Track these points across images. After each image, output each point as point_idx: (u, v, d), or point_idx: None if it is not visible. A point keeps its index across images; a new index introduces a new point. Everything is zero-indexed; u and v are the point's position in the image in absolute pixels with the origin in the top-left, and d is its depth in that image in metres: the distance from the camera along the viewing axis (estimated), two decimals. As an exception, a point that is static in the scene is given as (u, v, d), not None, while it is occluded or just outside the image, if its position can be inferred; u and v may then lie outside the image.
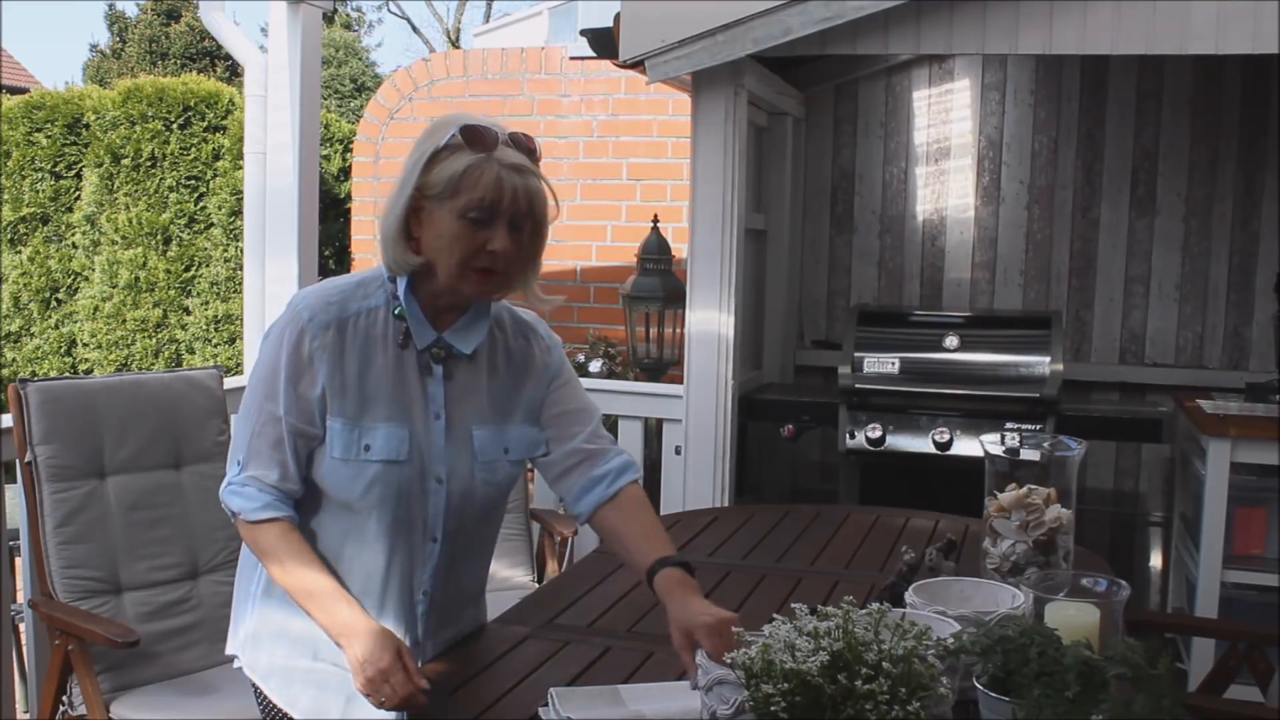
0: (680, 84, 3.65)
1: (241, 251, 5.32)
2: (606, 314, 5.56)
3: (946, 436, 3.75)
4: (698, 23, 3.27)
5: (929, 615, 1.66)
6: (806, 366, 4.68)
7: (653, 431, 3.94)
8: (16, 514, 2.83)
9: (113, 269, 7.44)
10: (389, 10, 36.08)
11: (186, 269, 7.40)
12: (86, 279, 7.60)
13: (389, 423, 1.77)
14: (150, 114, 7.37)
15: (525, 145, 1.75)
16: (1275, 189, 4.21)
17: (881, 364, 3.85)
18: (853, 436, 3.85)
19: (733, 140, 3.44)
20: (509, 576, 3.35)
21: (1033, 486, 2.06)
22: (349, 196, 7.06)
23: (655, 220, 4.76)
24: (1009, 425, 3.28)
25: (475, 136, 1.70)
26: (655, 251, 4.68)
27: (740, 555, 2.58)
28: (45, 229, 7.66)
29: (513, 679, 1.81)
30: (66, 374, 7.44)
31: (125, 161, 7.41)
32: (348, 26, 21.33)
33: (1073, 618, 1.60)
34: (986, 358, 3.83)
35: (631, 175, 5.59)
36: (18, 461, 2.67)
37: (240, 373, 4.43)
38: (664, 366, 4.73)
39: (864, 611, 1.50)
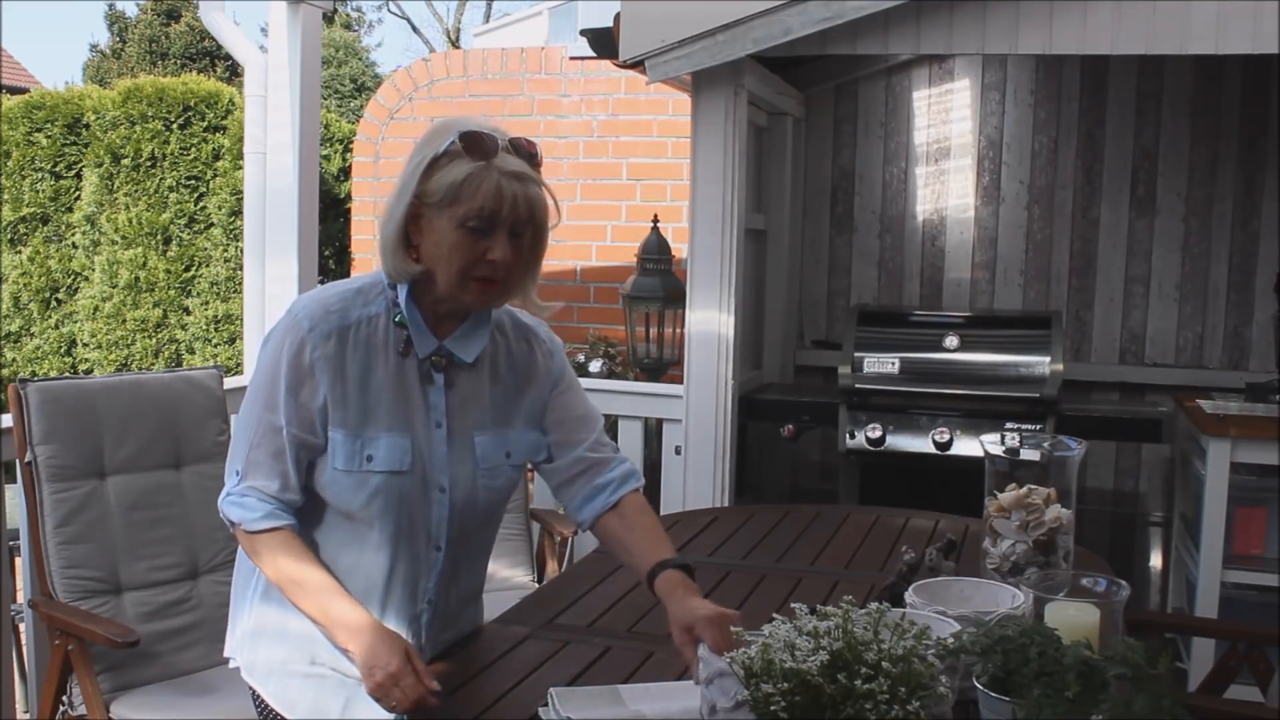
0: (680, 84, 3.65)
1: (241, 251, 5.32)
2: (606, 314, 5.56)
3: (946, 436, 3.75)
4: (698, 23, 3.27)
5: (929, 615, 1.66)
6: (806, 366, 4.68)
7: (653, 431, 3.94)
8: (16, 514, 2.83)
9: (113, 269, 7.44)
10: (389, 10, 36.08)
11: (186, 269, 7.40)
12: (86, 279, 7.61)
13: (391, 433, 1.76)
14: (150, 114, 7.37)
15: (526, 150, 1.72)
16: (1275, 189, 4.21)
17: (881, 364, 3.85)
18: (853, 436, 3.85)
19: (733, 140, 3.44)
20: (509, 576, 3.35)
21: (1033, 486, 2.06)
22: (349, 196, 7.06)
23: (655, 220, 4.76)
24: (1009, 425, 3.29)
25: (475, 143, 1.68)
26: (655, 251, 4.68)
27: (740, 555, 2.58)
28: (45, 229, 7.66)
29: (513, 679, 1.81)
30: (66, 374, 7.44)
31: (125, 161, 7.41)
32: (348, 26, 21.33)
33: (1073, 618, 1.60)
34: (986, 358, 3.83)
35: (631, 175, 5.59)
36: (18, 461, 2.67)
37: (240, 373, 4.43)
38: (664, 366, 4.73)
39: (864, 611, 1.50)
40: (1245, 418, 3.44)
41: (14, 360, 7.71)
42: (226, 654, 1.93)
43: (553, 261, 5.45)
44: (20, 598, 3.15)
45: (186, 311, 7.44)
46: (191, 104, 7.38)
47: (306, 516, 1.79)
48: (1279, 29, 2.96)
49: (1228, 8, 2.99)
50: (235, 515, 1.75)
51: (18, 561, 2.93)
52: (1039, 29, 3.14)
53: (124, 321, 7.45)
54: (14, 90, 10.44)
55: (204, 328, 7.35)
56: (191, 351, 7.38)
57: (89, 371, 7.46)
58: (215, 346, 7.34)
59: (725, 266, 3.46)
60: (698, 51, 3.29)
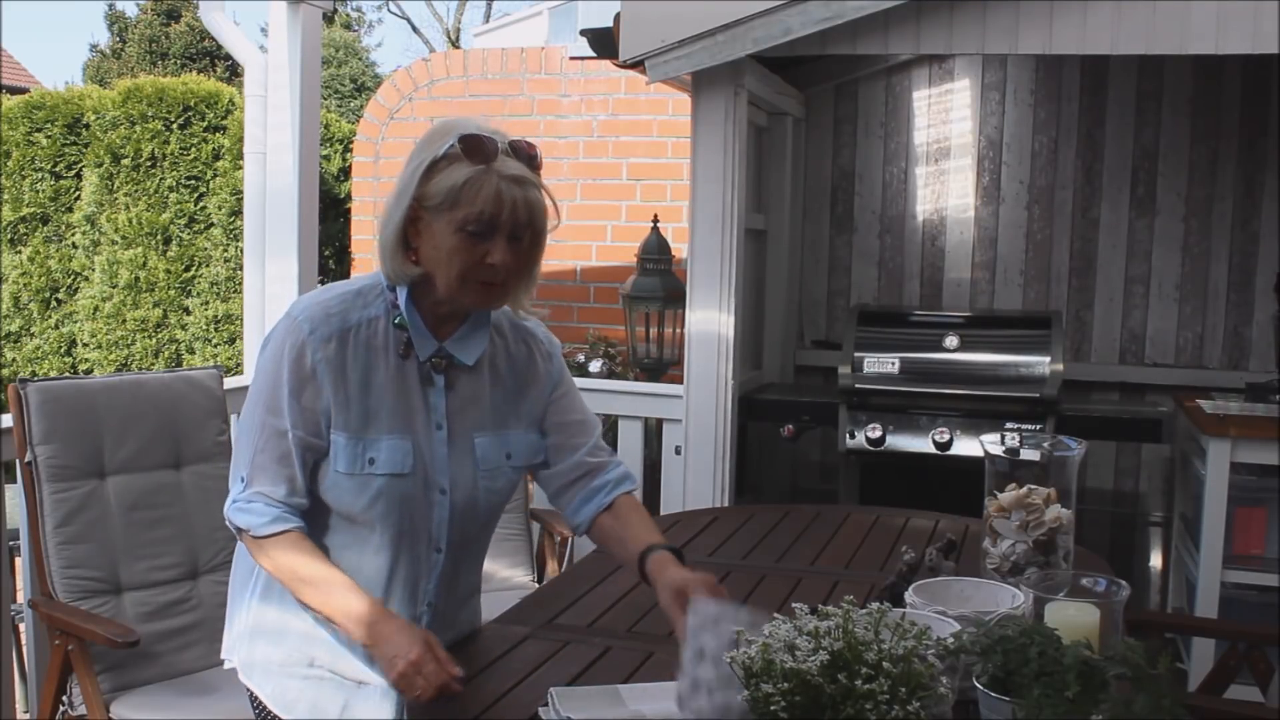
0: (680, 84, 3.65)
1: (241, 251, 5.32)
2: (606, 314, 5.56)
3: (946, 436, 3.75)
4: (698, 23, 3.27)
5: (929, 615, 1.66)
6: (806, 366, 4.68)
7: (653, 431, 3.94)
8: (16, 514, 2.83)
9: (113, 269, 7.44)
10: (389, 10, 36.08)
11: (186, 269, 7.40)
12: (86, 279, 7.61)
13: (392, 435, 1.75)
14: (150, 114, 7.37)
15: (526, 153, 1.72)
16: (1275, 189, 4.21)
17: (881, 364, 3.85)
18: (853, 436, 3.85)
19: (733, 140, 3.44)
20: (509, 576, 3.35)
21: (1033, 486, 2.06)
22: (349, 196, 7.06)
23: (655, 220, 4.76)
24: (1009, 425, 3.29)
25: (474, 147, 1.67)
26: (655, 251, 4.68)
27: (740, 555, 2.58)
28: (45, 229, 7.66)
29: (513, 679, 1.81)
30: (66, 374, 7.44)
31: (125, 161, 7.41)
32: (348, 26, 21.33)
33: (1073, 618, 1.60)
34: (986, 358, 3.84)
35: (631, 175, 5.59)
36: (18, 461, 2.66)
37: (240, 373, 4.42)
38: (664, 366, 4.73)
39: (864, 611, 1.50)
40: (1245, 418, 3.44)
41: (14, 360, 7.71)
42: (223, 655, 1.93)
43: (553, 261, 5.45)
44: (20, 598, 3.15)
45: (186, 311, 7.44)
46: (191, 104, 7.38)
47: (307, 520, 1.78)
48: (1279, 29, 2.96)
49: (1228, 8, 2.99)
50: (243, 521, 1.73)
51: (18, 561, 2.93)
52: (1039, 29, 3.14)
53: (124, 321, 7.45)
54: (14, 90, 10.44)
55: (204, 328, 7.35)
56: (191, 351, 7.39)
57: (89, 371, 7.46)
58: (215, 346, 7.35)
59: (725, 266, 3.46)
60: (698, 51, 3.29)
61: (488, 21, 16.88)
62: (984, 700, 1.45)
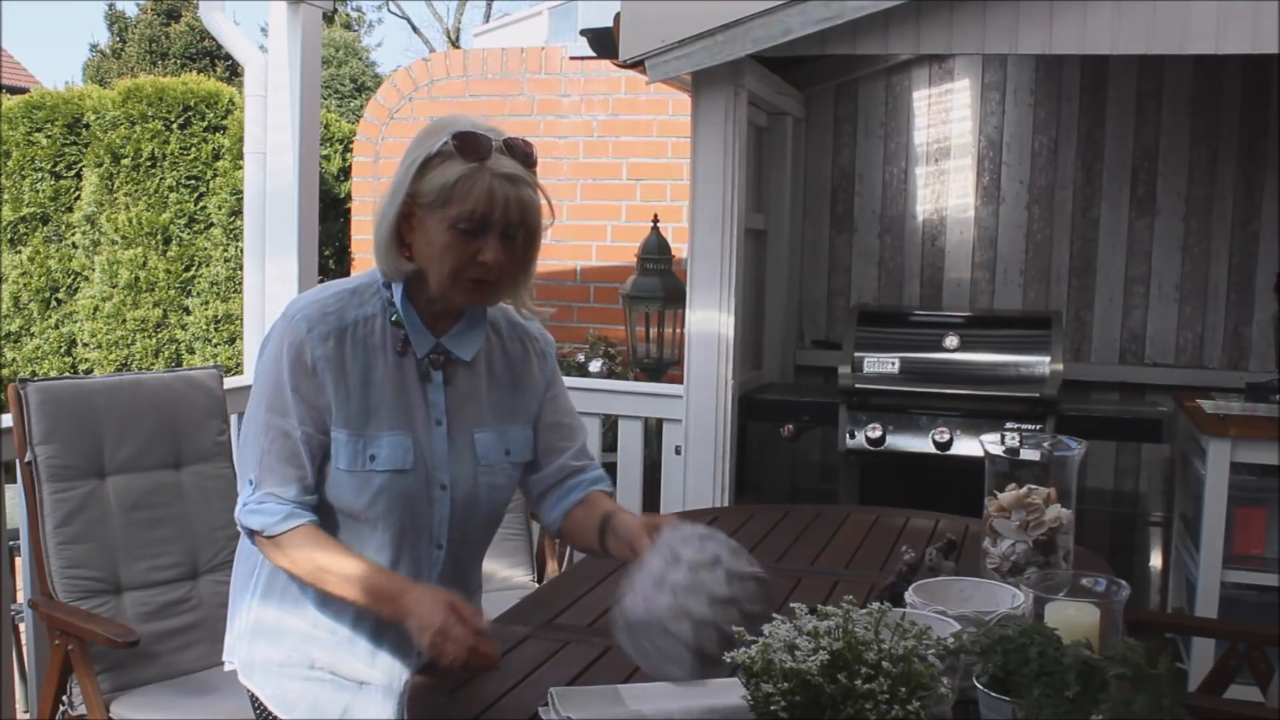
0: (680, 84, 3.65)
1: (241, 251, 5.32)
2: (606, 314, 5.56)
3: (946, 436, 3.75)
4: (698, 23, 3.27)
5: (929, 615, 1.66)
6: (806, 366, 4.68)
7: (653, 431, 3.94)
8: (16, 514, 2.83)
9: (113, 269, 7.44)
10: (389, 10, 36.08)
11: (186, 269, 7.40)
12: (86, 279, 7.61)
13: (393, 431, 1.76)
14: (150, 114, 7.37)
15: (521, 151, 1.72)
16: (1275, 189, 4.21)
17: (881, 364, 3.85)
18: (853, 436, 3.85)
19: (733, 140, 3.44)
20: (509, 576, 3.35)
21: (1033, 486, 2.06)
22: (349, 196, 7.06)
23: (655, 220, 4.76)
24: (1009, 425, 3.28)
25: (468, 145, 1.67)
26: (655, 251, 4.68)
27: (740, 555, 2.58)
28: (45, 229, 7.66)
29: (513, 679, 1.81)
30: (66, 374, 7.44)
31: (125, 161, 7.41)
32: (348, 26, 21.34)
33: (1073, 618, 1.60)
34: (986, 358, 3.84)
35: (631, 175, 5.59)
36: (18, 461, 2.66)
37: (240, 373, 4.42)
38: (664, 366, 4.73)
39: (864, 611, 1.50)
40: (1245, 418, 3.44)
41: (14, 360, 7.71)
42: (225, 656, 1.93)
43: (553, 261, 5.46)
44: (20, 598, 3.15)
45: (186, 311, 7.44)
46: (191, 104, 7.38)
47: None
48: (1279, 29, 2.96)
49: (1228, 8, 2.99)
50: (256, 523, 1.72)
51: (18, 561, 2.93)
52: (1039, 29, 3.14)
53: (124, 321, 7.45)
54: (14, 90, 10.44)
55: (204, 328, 7.35)
56: (191, 351, 7.39)
57: (89, 371, 7.46)
58: (215, 346, 7.35)
59: (725, 266, 3.46)
60: (698, 51, 3.29)
61: (488, 21, 16.88)
62: (984, 700, 1.45)
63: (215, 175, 7.34)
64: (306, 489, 1.73)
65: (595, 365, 5.02)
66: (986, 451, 2.14)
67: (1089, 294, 4.42)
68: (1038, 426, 3.61)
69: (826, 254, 4.71)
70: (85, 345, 7.58)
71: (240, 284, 6.69)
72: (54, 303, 7.71)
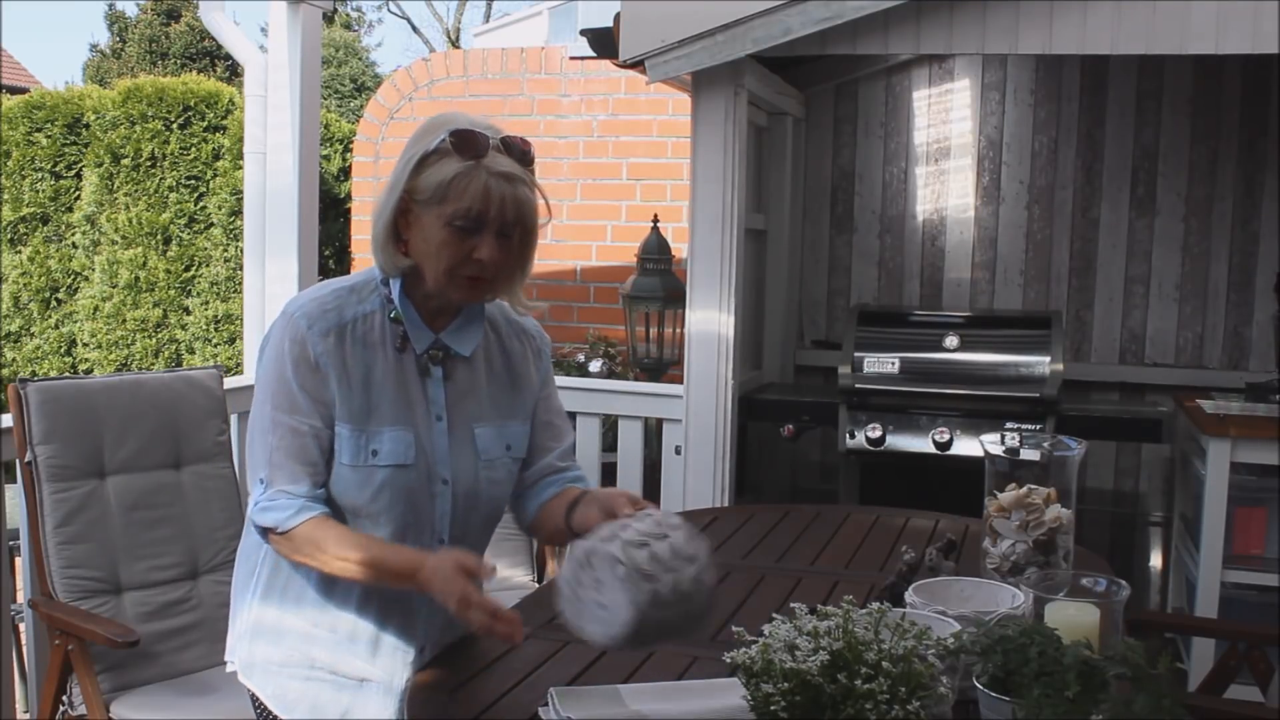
0: (680, 84, 3.65)
1: (241, 251, 5.32)
2: (606, 314, 5.55)
3: (946, 436, 3.75)
4: (698, 23, 3.27)
5: (929, 615, 1.66)
6: (806, 366, 4.68)
7: (653, 431, 3.94)
8: (16, 514, 2.83)
9: (113, 269, 7.44)
10: (389, 10, 36.09)
11: (186, 269, 7.40)
12: (86, 279, 7.61)
13: (394, 427, 1.76)
14: (150, 114, 7.37)
15: (518, 150, 1.72)
16: (1275, 189, 4.21)
17: (881, 364, 3.85)
18: (853, 436, 3.85)
19: (733, 140, 3.44)
20: (509, 576, 3.35)
21: (1033, 486, 2.06)
22: (349, 196, 7.06)
23: (655, 220, 4.76)
24: (1009, 425, 3.28)
25: (465, 142, 1.68)
26: (655, 251, 4.68)
27: (740, 555, 2.58)
28: (45, 229, 7.66)
29: (513, 679, 1.81)
30: (66, 374, 7.44)
31: (125, 161, 7.41)
32: (348, 26, 21.34)
33: (1073, 618, 1.60)
34: (986, 358, 3.84)
35: (631, 175, 5.59)
36: (18, 461, 2.67)
37: (240, 373, 4.43)
38: (664, 366, 4.73)
39: (864, 611, 1.50)
40: (1245, 418, 3.44)
41: (14, 360, 7.71)
42: (226, 656, 1.93)
43: (553, 261, 5.46)
44: (20, 598, 3.15)
45: (186, 311, 7.44)
46: (191, 104, 7.38)
47: None
48: (1279, 29, 2.96)
49: (1228, 8, 2.99)
50: (270, 520, 1.72)
51: (18, 561, 2.93)
52: (1039, 29, 3.14)
53: (124, 321, 7.45)
54: (14, 90, 10.44)
55: (204, 328, 7.35)
56: (191, 351, 7.39)
57: (89, 371, 7.46)
58: (215, 346, 7.34)
59: (725, 266, 3.46)
60: (698, 51, 3.29)
61: (488, 21, 16.88)
62: (984, 700, 1.45)
63: (215, 175, 7.34)
64: (317, 484, 1.74)
65: (595, 365, 5.02)
66: (986, 451, 2.14)
67: (1089, 294, 4.42)
68: (1038, 426, 3.61)
69: (826, 254, 4.71)
70: (85, 345, 7.58)
71: (240, 284, 6.69)
72: (54, 303, 7.71)
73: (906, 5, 3.18)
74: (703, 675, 1.80)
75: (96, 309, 7.50)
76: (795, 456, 4.53)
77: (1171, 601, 3.94)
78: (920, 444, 3.80)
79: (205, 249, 7.38)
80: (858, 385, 3.85)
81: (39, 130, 7.59)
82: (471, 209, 1.68)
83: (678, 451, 3.62)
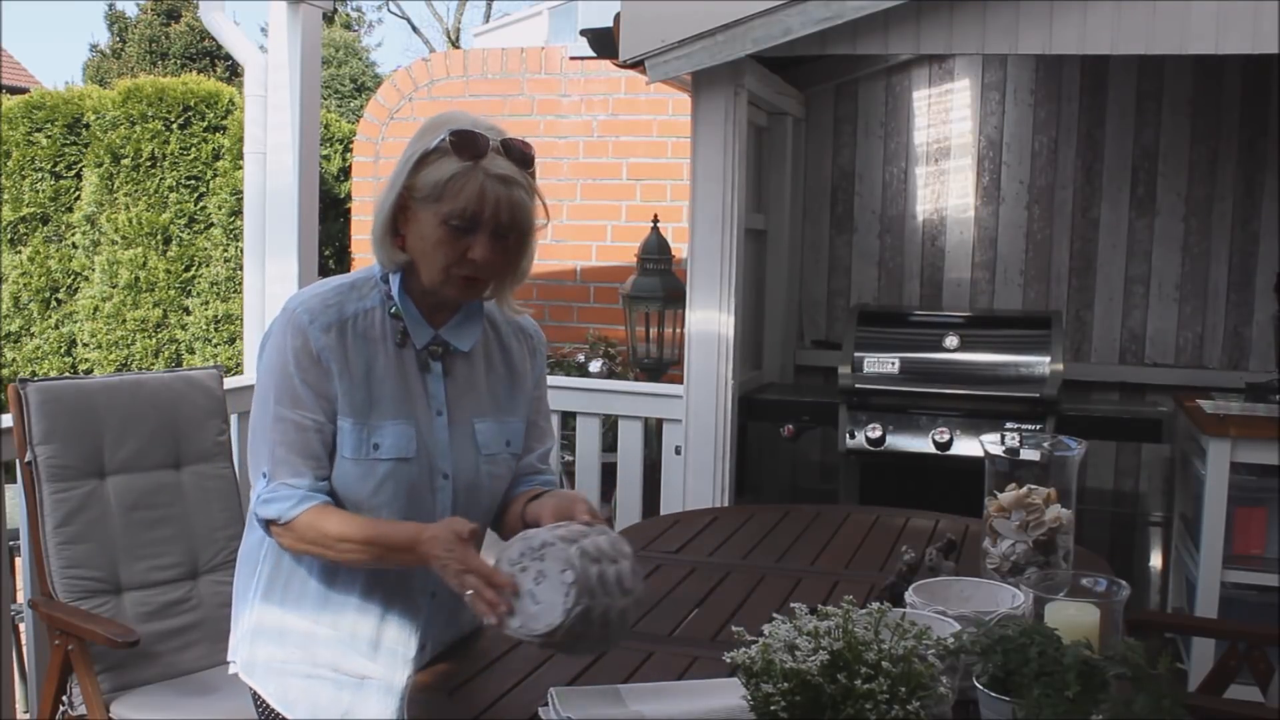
0: (680, 84, 3.65)
1: (241, 251, 5.32)
2: (606, 314, 5.56)
3: (946, 436, 3.75)
4: (698, 23, 3.27)
5: (929, 615, 1.66)
6: (806, 366, 4.68)
7: (653, 431, 3.94)
8: (16, 514, 2.83)
9: (113, 269, 7.44)
10: (389, 10, 36.10)
11: (186, 269, 7.40)
12: (86, 279, 7.61)
13: (396, 421, 1.77)
14: (150, 114, 7.37)
15: (518, 152, 1.73)
16: (1275, 189, 4.21)
17: (881, 364, 3.85)
18: (853, 436, 3.85)
19: (733, 140, 3.44)
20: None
21: (1033, 486, 2.06)
22: (349, 196, 7.06)
23: (655, 220, 4.76)
24: (1009, 425, 3.28)
25: (464, 143, 1.69)
26: (655, 251, 4.68)
27: (740, 555, 2.58)
28: (45, 229, 7.66)
29: (513, 679, 1.81)
30: (66, 374, 7.44)
31: (125, 161, 7.41)
32: (348, 26, 21.34)
33: (1073, 618, 1.60)
34: (986, 358, 3.83)
35: (631, 175, 5.59)
36: (18, 461, 2.67)
37: (240, 373, 4.43)
38: (664, 366, 4.73)
39: (864, 611, 1.50)
40: (1245, 418, 3.44)
41: (14, 360, 7.71)
42: (229, 656, 1.93)
43: (553, 261, 5.46)
44: (20, 598, 3.15)
45: (186, 311, 7.44)
46: (191, 104, 7.38)
47: None
48: (1279, 29, 2.96)
49: (1228, 8, 2.99)
50: (272, 511, 1.73)
51: (18, 561, 2.93)
52: (1039, 29, 3.14)
53: (124, 321, 7.45)
54: (14, 90, 10.44)
55: (204, 328, 7.35)
56: (191, 351, 7.39)
57: (89, 371, 7.46)
58: (215, 346, 7.35)
59: (725, 266, 3.46)
60: (698, 51, 3.29)
61: (488, 21, 16.89)
62: (984, 700, 1.45)
63: (215, 175, 7.34)
64: (320, 477, 1.74)
65: (595, 365, 5.02)
66: (986, 451, 2.14)
67: (1089, 294, 4.42)
68: (1038, 426, 3.61)
69: (826, 254, 4.71)
70: (85, 345, 7.58)
71: (240, 284, 6.69)
72: (54, 303, 7.71)
73: (906, 5, 3.18)
74: (703, 675, 1.80)
75: (96, 309, 7.50)
76: (795, 456, 4.53)
77: (1171, 601, 3.94)
78: (920, 444, 3.80)
79: (205, 249, 7.38)
80: (858, 385, 3.85)
81: (39, 130, 7.59)
82: (467, 209, 1.69)
83: (678, 451, 3.62)
